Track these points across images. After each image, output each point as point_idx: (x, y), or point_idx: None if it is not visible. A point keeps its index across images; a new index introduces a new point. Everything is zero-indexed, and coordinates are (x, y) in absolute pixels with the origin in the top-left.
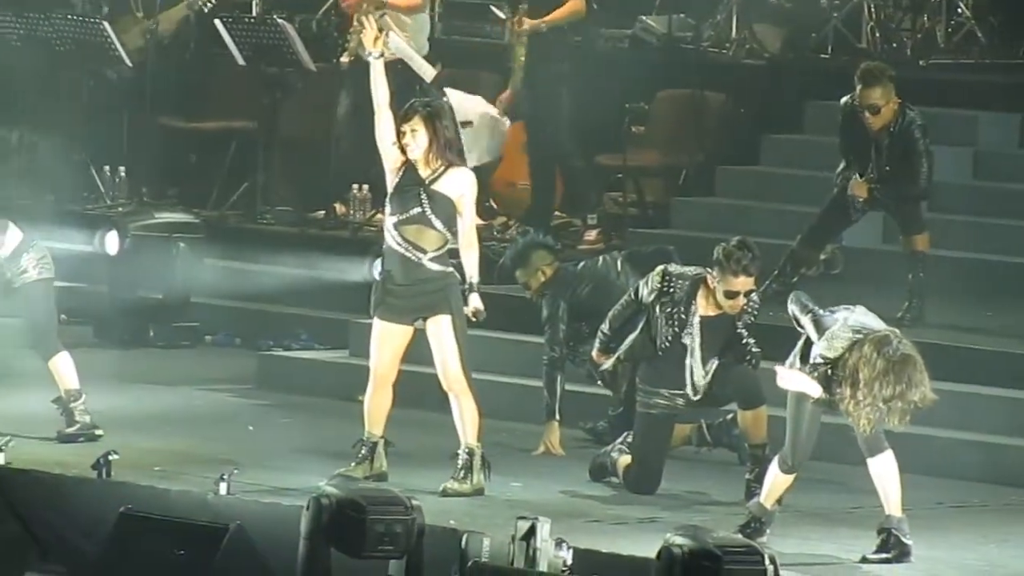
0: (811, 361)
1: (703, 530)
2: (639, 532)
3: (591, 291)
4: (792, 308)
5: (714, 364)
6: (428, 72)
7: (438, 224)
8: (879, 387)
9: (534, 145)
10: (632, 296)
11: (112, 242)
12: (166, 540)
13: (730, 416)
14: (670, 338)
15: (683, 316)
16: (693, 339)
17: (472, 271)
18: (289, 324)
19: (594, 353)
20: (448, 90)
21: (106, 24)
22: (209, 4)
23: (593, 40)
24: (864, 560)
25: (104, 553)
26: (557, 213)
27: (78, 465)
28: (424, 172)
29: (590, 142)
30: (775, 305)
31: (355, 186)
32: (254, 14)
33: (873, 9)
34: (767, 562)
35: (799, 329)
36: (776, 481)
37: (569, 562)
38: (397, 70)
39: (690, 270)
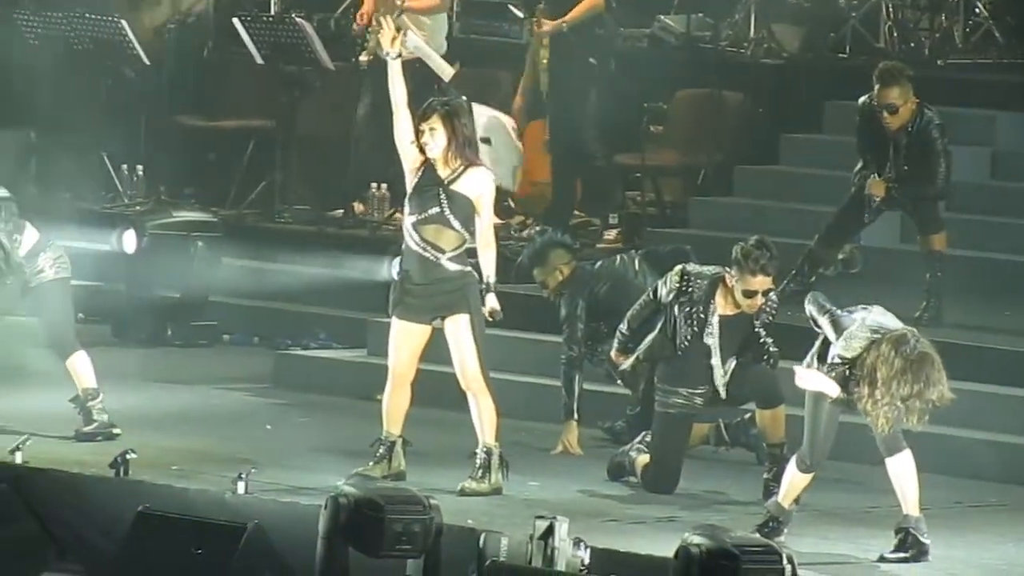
0: (829, 361)
1: (721, 529)
2: (657, 531)
3: (609, 290)
4: (809, 308)
5: (732, 363)
6: (446, 71)
7: (456, 224)
8: (897, 386)
9: (557, 144)
10: (651, 296)
11: (130, 241)
12: (184, 539)
13: (748, 415)
14: (689, 338)
15: (702, 316)
16: (713, 339)
17: (489, 271)
18: (307, 323)
19: (613, 353)
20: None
21: (123, 23)
22: None
23: (612, 39)
24: (882, 559)
25: (122, 552)
26: (576, 212)
27: (96, 464)
28: (443, 172)
29: (609, 141)
30: (793, 305)
31: (373, 185)
32: (273, 13)
33: (891, 9)
34: (785, 561)
35: (816, 329)
36: (794, 480)
37: (587, 561)
38: (415, 69)
39: (708, 269)
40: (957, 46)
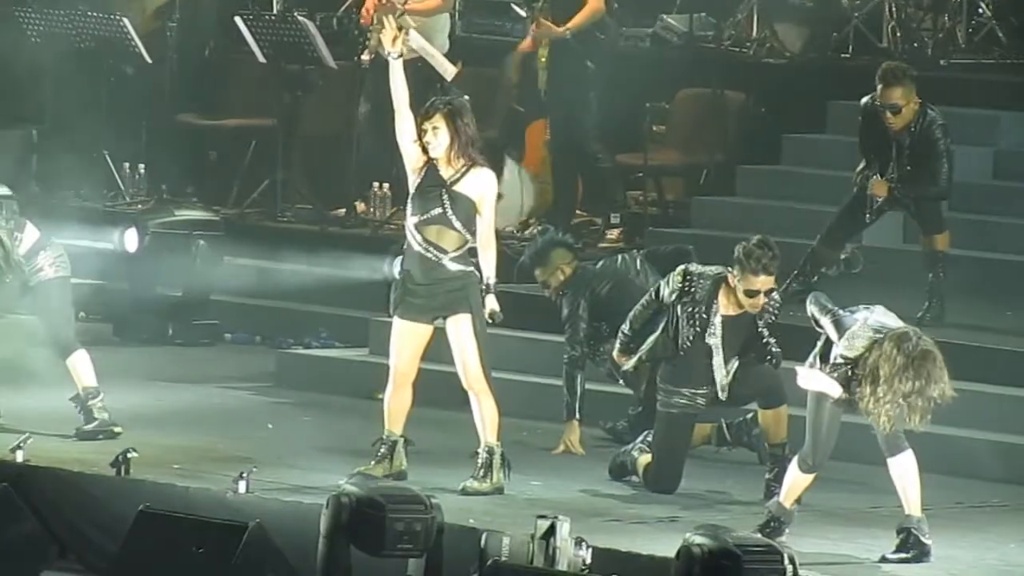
0: (831, 361)
1: (723, 529)
2: (659, 531)
3: (610, 290)
4: (811, 309)
5: (735, 364)
6: (449, 70)
7: (458, 225)
8: (899, 383)
9: (558, 144)
10: (653, 296)
11: (132, 239)
12: (185, 538)
13: (750, 415)
14: (691, 338)
15: (704, 316)
16: (716, 339)
17: (489, 272)
18: (309, 322)
19: (615, 353)
20: None
21: (125, 21)
22: None
23: (613, 43)
24: (883, 560)
25: (123, 551)
26: (578, 212)
27: (97, 463)
28: (446, 172)
29: (611, 141)
30: (795, 305)
31: (375, 184)
32: (275, 11)
33: (894, 9)
34: (786, 561)
35: (818, 329)
36: (796, 480)
37: (588, 561)
38: (417, 68)
39: (711, 269)
40: (960, 46)
